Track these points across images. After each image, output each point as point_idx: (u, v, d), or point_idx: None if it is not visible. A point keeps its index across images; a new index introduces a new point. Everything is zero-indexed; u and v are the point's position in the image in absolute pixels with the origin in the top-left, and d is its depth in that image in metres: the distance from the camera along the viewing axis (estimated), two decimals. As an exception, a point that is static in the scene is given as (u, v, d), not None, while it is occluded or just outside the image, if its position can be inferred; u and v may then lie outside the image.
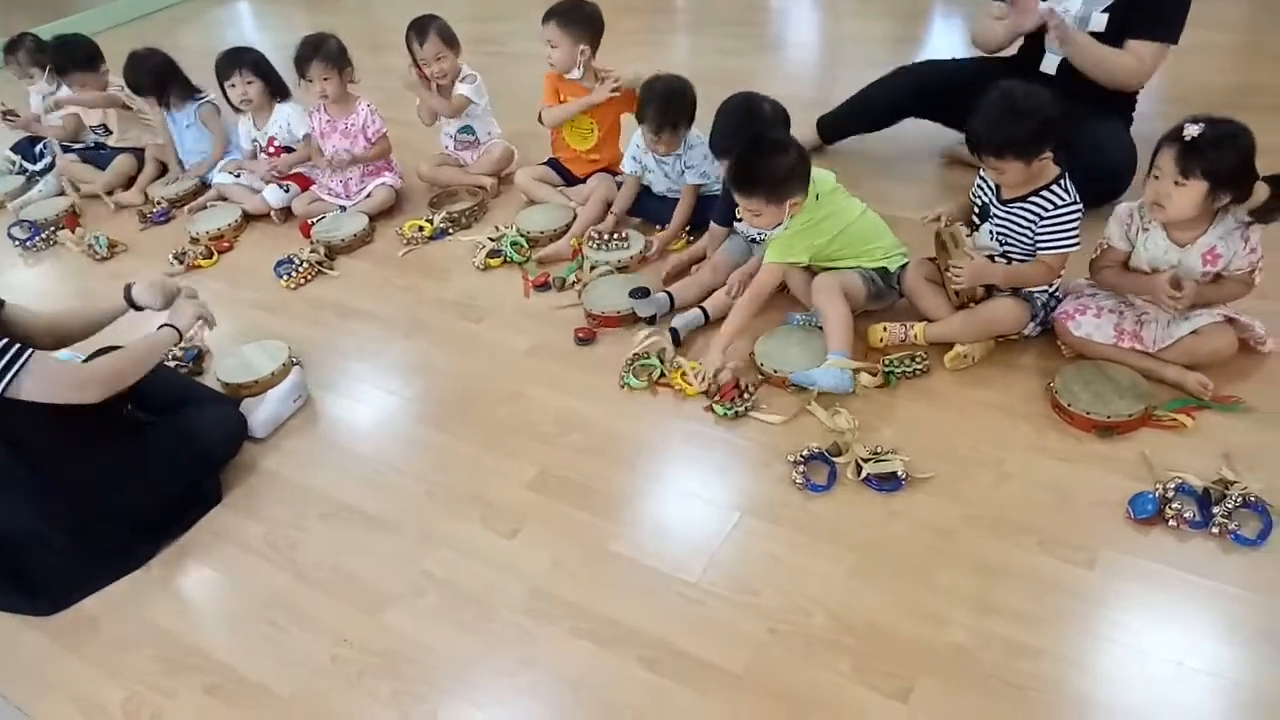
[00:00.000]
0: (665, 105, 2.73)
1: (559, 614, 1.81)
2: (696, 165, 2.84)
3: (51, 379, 1.81)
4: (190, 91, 3.62)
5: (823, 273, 2.35)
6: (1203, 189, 1.91)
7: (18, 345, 1.76)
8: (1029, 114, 2.02)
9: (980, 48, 2.95)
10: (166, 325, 2.15)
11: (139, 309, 2.24)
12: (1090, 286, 2.24)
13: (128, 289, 2.23)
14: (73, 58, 3.73)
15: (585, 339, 2.56)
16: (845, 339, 2.23)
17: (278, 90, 3.41)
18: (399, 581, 1.93)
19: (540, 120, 3.19)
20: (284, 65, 3.41)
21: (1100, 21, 2.65)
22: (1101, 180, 2.53)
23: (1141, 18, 2.58)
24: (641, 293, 2.56)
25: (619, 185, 3.11)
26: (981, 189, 2.28)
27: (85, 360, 2.12)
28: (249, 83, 3.31)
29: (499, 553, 1.97)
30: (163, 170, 3.86)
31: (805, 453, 2.03)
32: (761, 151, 2.22)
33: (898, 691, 1.58)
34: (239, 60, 3.31)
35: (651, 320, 2.53)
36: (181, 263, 3.23)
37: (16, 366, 1.75)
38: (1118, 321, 2.13)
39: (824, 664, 1.65)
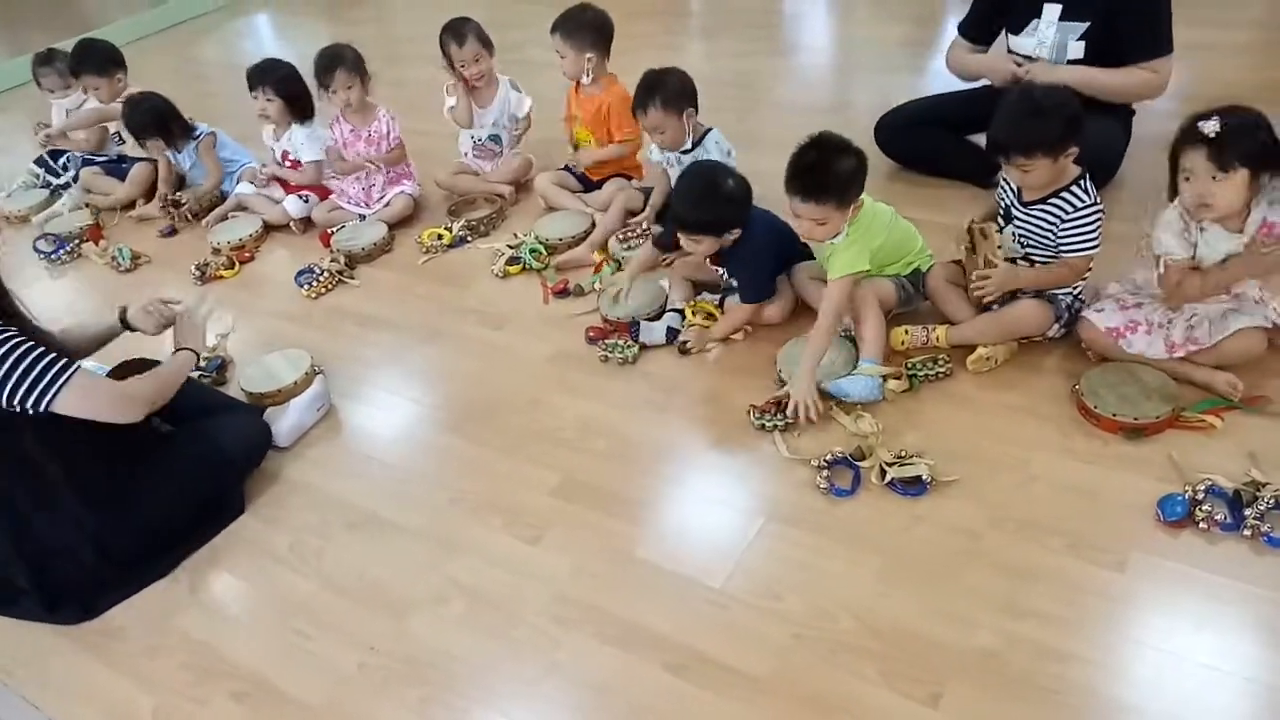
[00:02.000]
0: (644, 86, 2.72)
1: (583, 620, 1.81)
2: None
3: (92, 395, 1.86)
4: (188, 131, 3.64)
5: (856, 288, 2.29)
6: (1244, 176, 1.88)
7: (65, 359, 1.82)
8: (1053, 110, 2.01)
9: (956, 75, 3.00)
10: (183, 349, 2.19)
11: (133, 330, 2.28)
12: (1129, 293, 2.18)
13: (123, 311, 2.27)
14: (89, 60, 3.77)
15: (596, 339, 2.57)
16: (879, 348, 2.22)
17: (299, 111, 3.40)
18: (424, 589, 1.94)
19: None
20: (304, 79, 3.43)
21: (1078, 49, 2.67)
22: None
23: (1135, 45, 2.61)
24: (656, 315, 2.58)
25: (639, 190, 3.13)
26: (1004, 190, 2.27)
27: (109, 373, 2.16)
28: (269, 100, 3.34)
29: (523, 559, 1.97)
30: (181, 181, 3.90)
31: (829, 457, 2.02)
32: (828, 154, 2.16)
33: (927, 697, 1.57)
34: (264, 76, 3.33)
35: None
36: (203, 274, 3.26)
37: (63, 380, 1.80)
38: (1167, 335, 2.07)
39: (850, 669, 1.64)
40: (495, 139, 3.45)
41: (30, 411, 1.80)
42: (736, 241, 2.42)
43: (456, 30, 3.23)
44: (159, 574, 2.06)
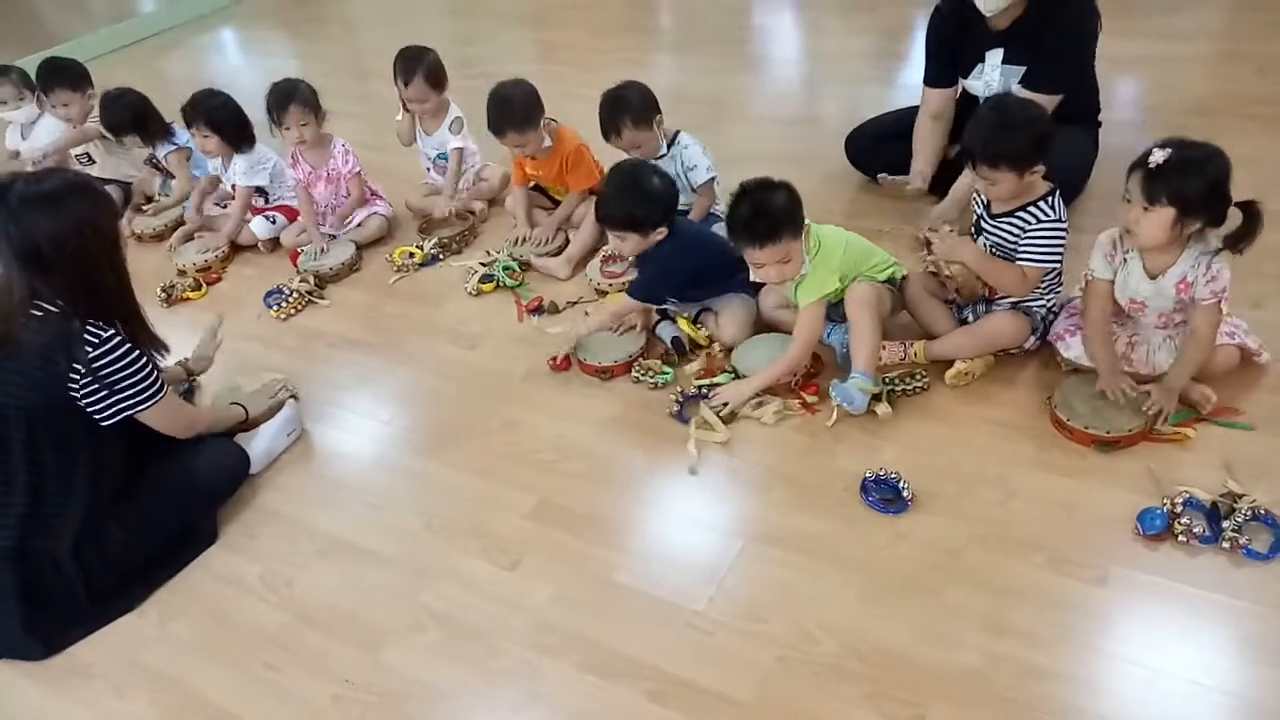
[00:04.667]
0: (608, 110, 2.74)
1: (563, 647, 1.78)
2: (699, 162, 2.80)
3: (168, 416, 2.08)
4: (165, 132, 3.55)
5: (856, 284, 2.26)
6: (1170, 215, 1.86)
7: (161, 381, 2.03)
8: (1024, 125, 2.03)
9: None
10: (237, 404, 2.39)
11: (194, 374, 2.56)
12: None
13: (186, 365, 2.54)
14: (62, 76, 3.69)
15: (560, 368, 2.53)
16: (871, 361, 2.19)
17: (238, 139, 3.29)
18: (399, 618, 1.90)
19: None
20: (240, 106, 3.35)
21: (1021, 92, 2.70)
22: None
23: (1034, 73, 2.66)
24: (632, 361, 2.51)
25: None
26: (975, 201, 2.28)
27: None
28: (205, 137, 3.26)
29: (500, 585, 1.93)
30: (147, 203, 3.83)
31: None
32: (760, 196, 2.14)
33: (911, 718, 1.56)
34: (197, 111, 3.23)
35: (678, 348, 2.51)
36: (170, 296, 3.19)
37: (160, 395, 2.01)
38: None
39: (834, 692, 1.62)
40: (444, 157, 3.42)
41: (109, 414, 1.94)
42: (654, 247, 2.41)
43: (407, 67, 3.21)
44: (127, 607, 2.02)
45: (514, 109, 2.90)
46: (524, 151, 3.04)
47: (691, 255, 2.47)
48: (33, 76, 3.83)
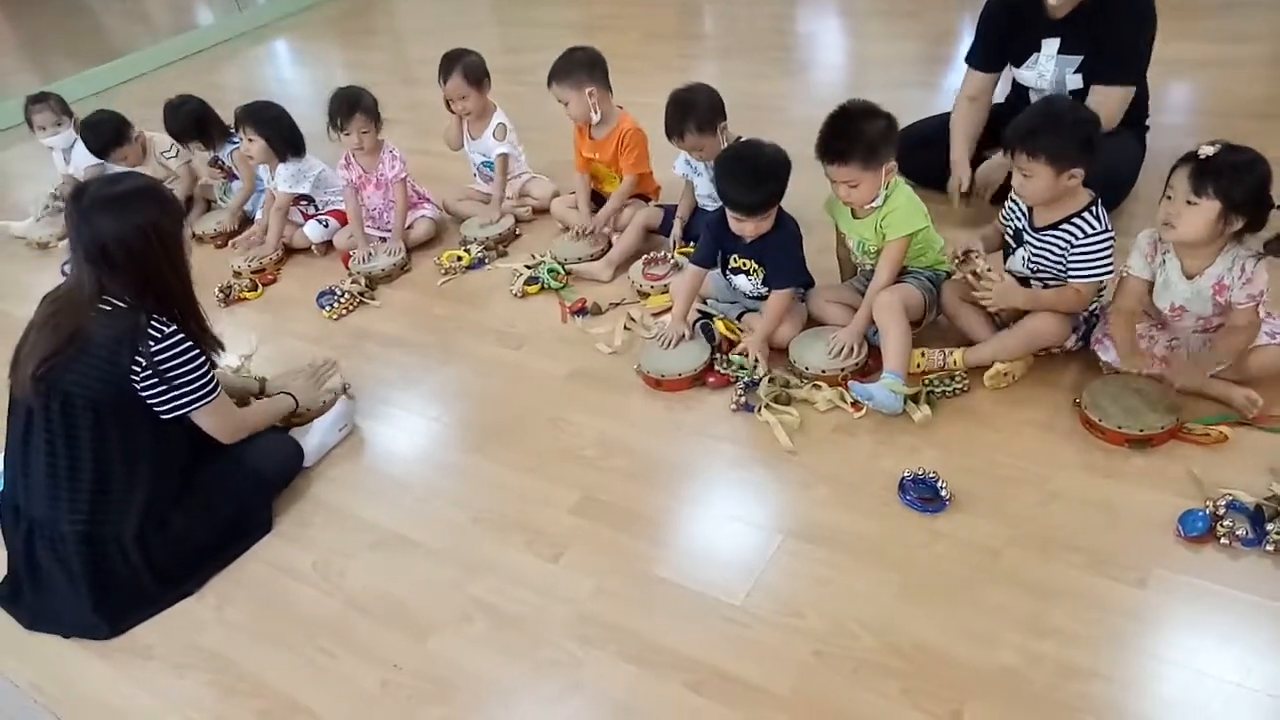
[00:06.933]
0: (675, 112, 2.75)
1: (605, 638, 1.82)
2: None
3: (220, 418, 2.17)
4: (226, 134, 3.68)
5: (881, 294, 2.29)
6: (1215, 209, 1.87)
7: (216, 383, 2.11)
8: (1072, 125, 2.04)
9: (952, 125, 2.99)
10: (286, 393, 2.46)
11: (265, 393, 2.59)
12: None
13: (263, 382, 2.58)
14: (106, 136, 3.74)
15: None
16: (902, 361, 2.21)
17: (286, 147, 3.38)
18: (446, 608, 1.95)
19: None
20: (321, 104, 3.46)
21: (1075, 81, 2.72)
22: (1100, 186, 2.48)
23: (1105, 64, 2.65)
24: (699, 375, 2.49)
25: (660, 207, 3.17)
26: (1014, 213, 2.27)
27: None
28: (250, 140, 3.36)
29: (544, 578, 1.98)
30: (208, 207, 3.96)
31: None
32: (852, 117, 2.23)
33: (948, 715, 1.57)
34: (245, 118, 3.35)
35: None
36: (227, 296, 3.30)
37: (213, 397, 2.10)
38: (1147, 346, 2.11)
39: (872, 687, 1.64)
40: (489, 165, 3.49)
41: (168, 409, 2.03)
42: (771, 229, 2.42)
43: (447, 65, 3.29)
44: (186, 592, 2.10)
45: (560, 63, 3.01)
46: (569, 112, 3.08)
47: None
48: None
